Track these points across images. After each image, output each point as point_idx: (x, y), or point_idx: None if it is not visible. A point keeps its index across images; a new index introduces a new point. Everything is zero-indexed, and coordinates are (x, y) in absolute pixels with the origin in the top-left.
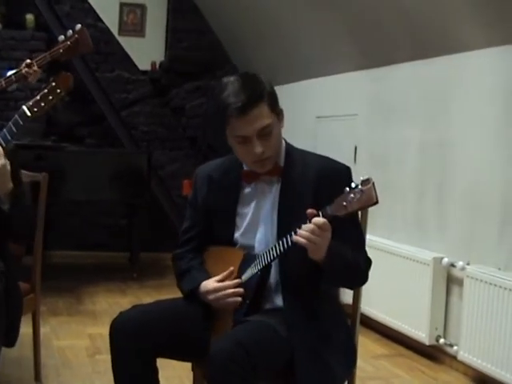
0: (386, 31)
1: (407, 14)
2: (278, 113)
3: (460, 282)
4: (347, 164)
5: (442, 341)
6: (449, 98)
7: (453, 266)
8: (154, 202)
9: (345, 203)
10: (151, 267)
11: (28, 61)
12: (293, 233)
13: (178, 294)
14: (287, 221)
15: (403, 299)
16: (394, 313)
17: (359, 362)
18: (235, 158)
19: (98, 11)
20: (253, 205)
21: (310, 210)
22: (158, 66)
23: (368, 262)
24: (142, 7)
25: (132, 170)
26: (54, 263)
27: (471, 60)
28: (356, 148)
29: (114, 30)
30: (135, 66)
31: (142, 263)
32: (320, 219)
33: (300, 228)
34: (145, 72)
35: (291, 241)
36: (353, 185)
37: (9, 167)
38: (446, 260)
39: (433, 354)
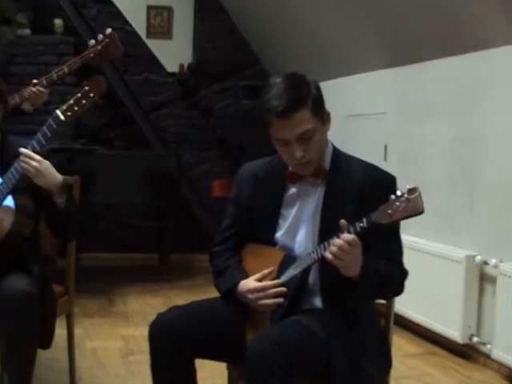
0: (414, 29)
1: (435, 11)
2: (322, 117)
3: (493, 280)
4: (377, 163)
5: (475, 339)
6: (478, 95)
7: (486, 263)
8: (184, 203)
9: (390, 211)
10: (182, 268)
11: (35, 80)
12: (335, 237)
13: (209, 295)
14: (330, 224)
15: (436, 298)
16: (427, 311)
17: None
18: (281, 157)
19: (125, 14)
20: (296, 206)
21: (342, 221)
22: (185, 68)
23: (404, 275)
24: (169, 10)
25: (161, 172)
26: (85, 265)
27: (500, 56)
28: (386, 146)
29: (142, 33)
30: (163, 68)
31: (173, 264)
32: (349, 236)
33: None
34: (173, 74)
35: None
36: (398, 193)
37: (48, 162)
38: (478, 258)
39: (466, 352)
